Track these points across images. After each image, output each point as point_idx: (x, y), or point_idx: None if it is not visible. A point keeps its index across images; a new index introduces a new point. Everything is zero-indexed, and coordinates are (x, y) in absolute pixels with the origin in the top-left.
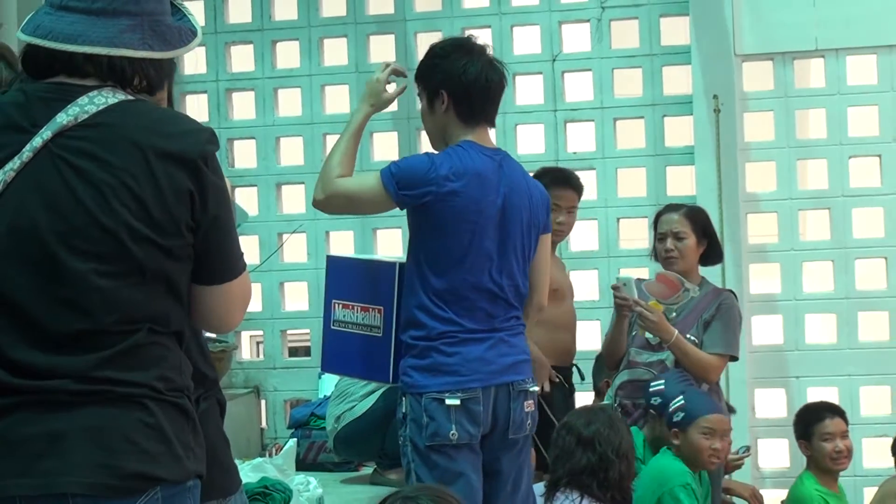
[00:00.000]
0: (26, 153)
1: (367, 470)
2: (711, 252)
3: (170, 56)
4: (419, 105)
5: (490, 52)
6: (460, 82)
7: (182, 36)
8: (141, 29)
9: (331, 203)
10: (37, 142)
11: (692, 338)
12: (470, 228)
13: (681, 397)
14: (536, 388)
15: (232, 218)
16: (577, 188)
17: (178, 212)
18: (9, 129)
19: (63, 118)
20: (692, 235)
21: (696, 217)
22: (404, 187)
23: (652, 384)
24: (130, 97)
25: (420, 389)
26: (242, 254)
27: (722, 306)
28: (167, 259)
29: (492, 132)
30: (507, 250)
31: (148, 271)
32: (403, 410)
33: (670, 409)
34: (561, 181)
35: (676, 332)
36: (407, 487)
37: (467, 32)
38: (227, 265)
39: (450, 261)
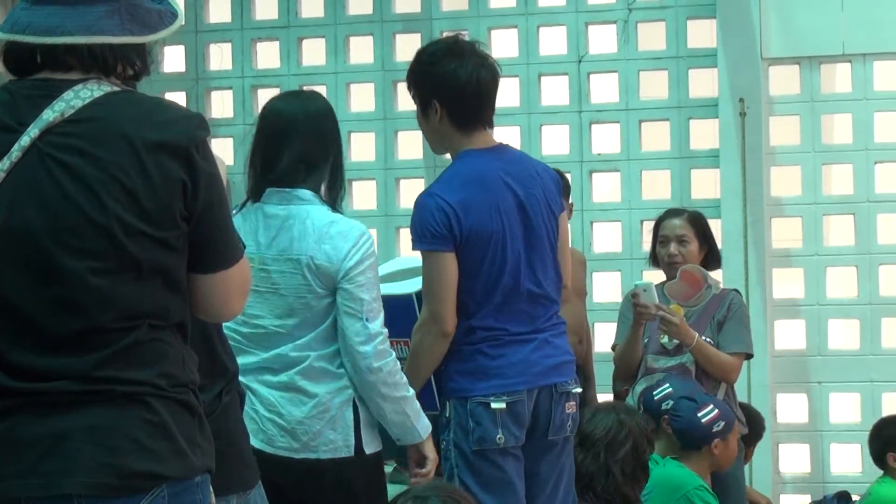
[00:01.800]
0: (15, 153)
1: (388, 468)
2: (711, 257)
3: (151, 39)
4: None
5: (479, 48)
6: (451, 90)
7: (163, 19)
8: (119, 14)
9: (440, 315)
10: (24, 140)
11: (707, 339)
12: (497, 239)
13: (712, 406)
14: (579, 390)
15: (226, 204)
16: (565, 187)
17: (170, 202)
18: None
19: (49, 115)
20: (695, 240)
21: (698, 222)
22: (439, 237)
23: (655, 392)
24: (116, 88)
25: (465, 393)
26: (239, 240)
27: (732, 306)
28: (162, 251)
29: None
30: (536, 244)
31: (144, 266)
32: (447, 415)
33: (704, 421)
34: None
35: (697, 335)
36: (419, 486)
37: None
38: (223, 252)
39: (484, 271)
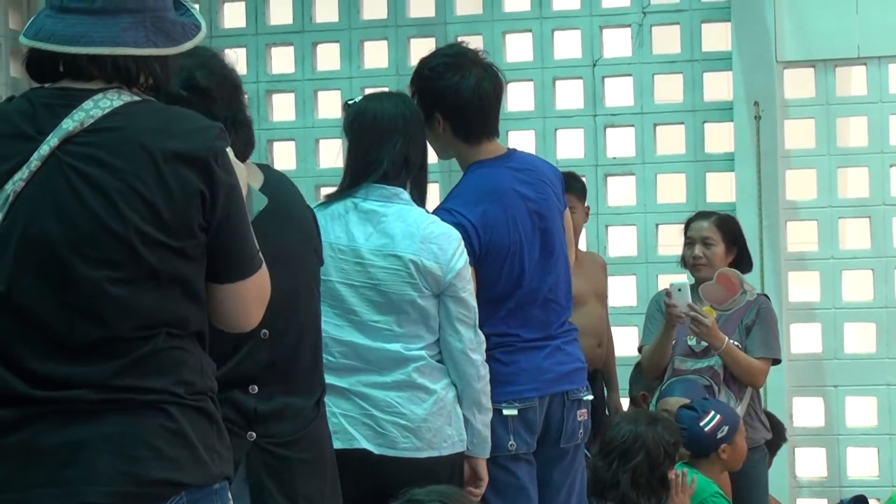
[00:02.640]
0: (34, 162)
1: None
2: (741, 261)
3: (175, 52)
4: None
5: (483, 57)
6: (454, 104)
7: (186, 31)
8: (143, 26)
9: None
10: (44, 150)
11: (735, 343)
12: (515, 250)
13: (713, 413)
14: (590, 397)
15: (245, 215)
16: (580, 190)
17: (189, 213)
18: (16, 138)
19: (69, 124)
20: (721, 243)
21: (726, 226)
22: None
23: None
24: (136, 98)
25: None
26: (258, 251)
27: (761, 311)
28: (181, 260)
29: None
30: (550, 250)
31: (162, 275)
32: None
33: (707, 430)
34: (575, 188)
35: (727, 338)
36: (418, 490)
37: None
38: (241, 263)
39: (502, 282)
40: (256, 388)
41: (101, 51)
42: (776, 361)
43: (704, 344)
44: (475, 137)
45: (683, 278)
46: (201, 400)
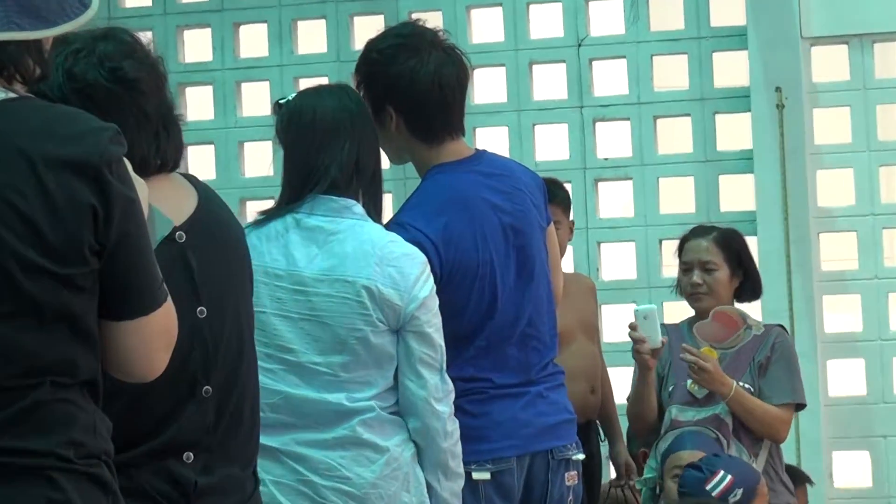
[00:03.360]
0: None
1: None
2: (748, 286)
3: (50, 34)
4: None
5: (443, 38)
6: (408, 95)
7: (64, 8)
8: (2, 4)
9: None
10: None
11: (747, 386)
12: (484, 272)
13: (722, 473)
14: (581, 456)
15: (146, 235)
16: (563, 200)
17: (78, 232)
18: None
19: None
20: (724, 266)
21: (730, 243)
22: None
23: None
24: (11, 94)
25: None
26: (162, 280)
27: (777, 345)
28: (68, 291)
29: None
30: (529, 274)
31: (45, 310)
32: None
33: (715, 494)
34: (559, 197)
35: (735, 383)
36: None
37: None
38: (142, 294)
39: (469, 311)
40: (192, 455)
41: None
42: (800, 407)
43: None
44: (435, 136)
45: (651, 305)
46: (94, 465)
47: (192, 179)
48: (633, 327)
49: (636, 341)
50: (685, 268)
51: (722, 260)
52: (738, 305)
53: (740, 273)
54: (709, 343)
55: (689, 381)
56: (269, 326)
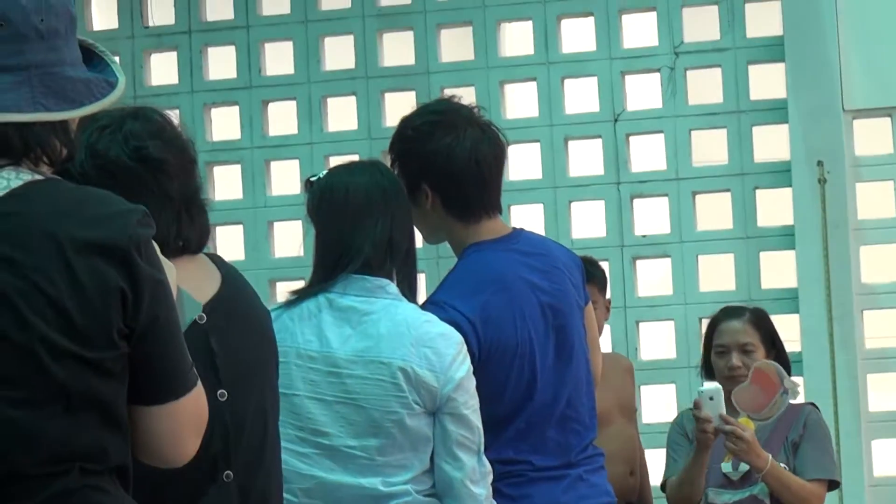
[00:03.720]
0: None
1: None
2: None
3: (74, 115)
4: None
5: (479, 114)
6: (445, 173)
7: (91, 89)
8: (29, 85)
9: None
10: None
11: (782, 465)
12: (524, 352)
13: None
14: None
15: (175, 318)
16: (599, 281)
17: (107, 316)
18: None
19: None
20: (761, 347)
21: (764, 324)
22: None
23: None
24: (39, 176)
25: None
26: (192, 364)
27: (809, 423)
28: (97, 377)
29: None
30: (568, 355)
31: (74, 395)
32: None
33: None
34: (596, 277)
35: (770, 456)
36: None
37: (448, 92)
38: (173, 378)
39: (508, 393)
40: None
41: None
42: (833, 485)
43: (744, 469)
44: (472, 214)
45: (715, 384)
46: None
47: (216, 260)
48: (697, 406)
49: (702, 421)
50: (721, 350)
51: (759, 340)
52: None
53: (773, 353)
54: (746, 413)
55: (725, 464)
56: (303, 409)
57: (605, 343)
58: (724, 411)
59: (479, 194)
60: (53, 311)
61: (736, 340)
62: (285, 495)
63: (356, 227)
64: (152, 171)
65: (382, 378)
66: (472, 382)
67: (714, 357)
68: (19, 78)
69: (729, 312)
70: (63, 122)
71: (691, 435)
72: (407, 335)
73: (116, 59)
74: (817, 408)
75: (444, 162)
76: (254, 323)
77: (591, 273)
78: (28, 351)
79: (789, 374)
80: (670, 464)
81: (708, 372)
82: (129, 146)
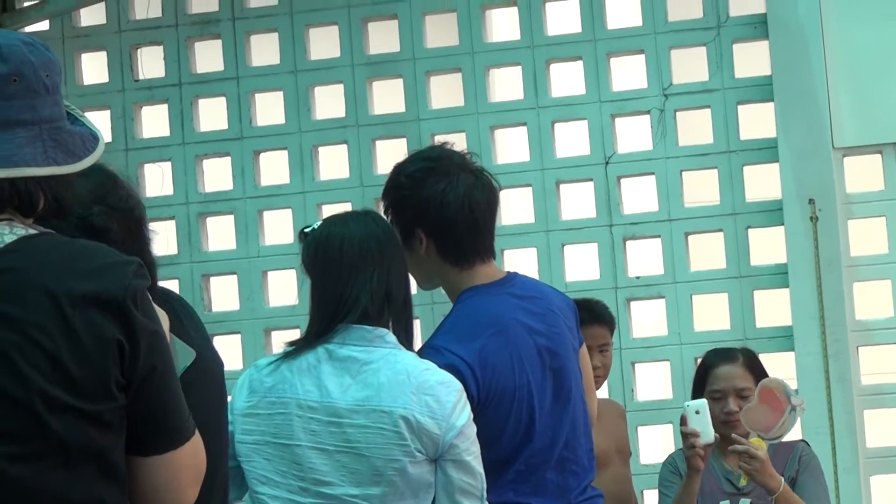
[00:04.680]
0: None
1: None
2: None
3: (77, 169)
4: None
5: (471, 160)
6: (439, 219)
7: (85, 144)
8: (41, 140)
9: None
10: None
11: None
12: (522, 396)
13: None
14: None
15: (172, 368)
16: (610, 323)
17: (103, 368)
18: None
19: None
20: (755, 389)
21: (756, 365)
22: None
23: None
24: (33, 231)
25: None
26: (189, 413)
27: (804, 457)
28: (95, 429)
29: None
30: (565, 397)
31: (72, 448)
32: None
33: None
34: (589, 317)
35: (783, 479)
36: None
37: (438, 138)
38: (170, 428)
39: (507, 436)
40: None
41: None
42: None
43: (747, 487)
44: (466, 259)
45: (702, 399)
46: None
47: (165, 304)
48: (684, 422)
49: (689, 436)
50: (717, 396)
51: (753, 384)
52: None
53: None
54: (757, 433)
55: (723, 503)
56: (305, 459)
57: (602, 386)
58: (710, 426)
59: (473, 239)
60: (51, 364)
61: (733, 385)
62: None
63: (352, 278)
64: (96, 239)
65: (384, 427)
66: (473, 429)
67: (710, 402)
68: (33, 133)
69: (721, 356)
70: (67, 175)
71: (683, 473)
72: (407, 384)
73: (107, 112)
74: (808, 444)
75: (438, 208)
76: (208, 364)
77: (602, 315)
78: (26, 405)
79: None
80: (662, 500)
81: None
82: (75, 215)
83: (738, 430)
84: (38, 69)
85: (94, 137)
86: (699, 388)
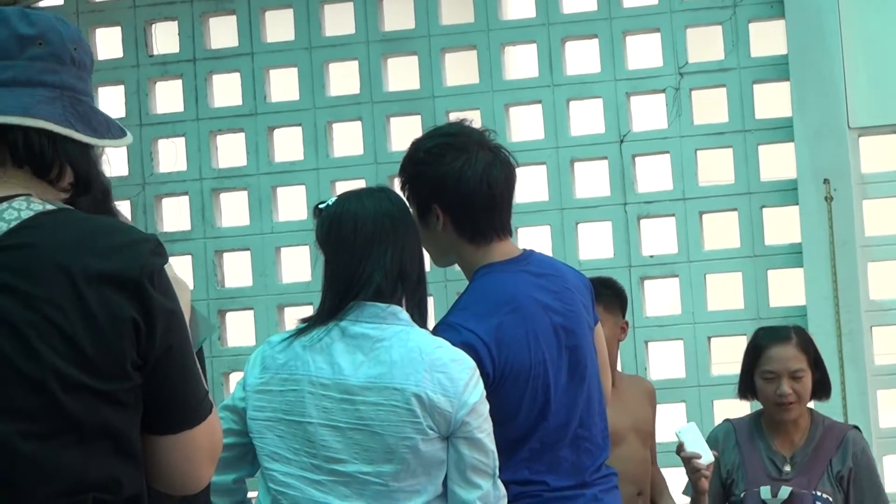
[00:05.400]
0: None
1: None
2: (822, 386)
3: (96, 143)
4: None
5: (490, 137)
6: (457, 195)
7: (110, 127)
8: (62, 104)
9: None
10: None
11: (827, 497)
12: (538, 373)
13: None
14: None
15: (190, 349)
16: (623, 300)
17: (119, 348)
18: None
19: None
20: (808, 370)
21: (809, 345)
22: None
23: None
24: (50, 206)
25: None
26: (207, 391)
27: (857, 453)
28: (110, 408)
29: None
30: (580, 375)
31: (87, 427)
32: None
33: None
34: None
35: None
36: None
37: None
38: (187, 407)
39: (522, 414)
40: None
41: (9, 120)
42: None
43: (783, 496)
44: (483, 236)
45: (691, 423)
46: None
47: None
48: (680, 449)
49: (689, 459)
50: (770, 377)
51: (807, 365)
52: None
53: (818, 374)
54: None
55: (763, 488)
56: (317, 437)
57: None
58: (706, 445)
59: (490, 216)
60: (65, 343)
61: (787, 367)
62: None
63: (366, 255)
64: None
65: (397, 404)
66: (486, 406)
67: (761, 382)
68: (54, 94)
69: (774, 337)
70: (88, 147)
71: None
72: (420, 361)
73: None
74: (859, 430)
75: (456, 184)
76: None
77: (615, 294)
78: (40, 383)
79: (828, 394)
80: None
81: (746, 392)
82: None
83: (790, 412)
84: (66, 40)
85: (121, 129)
86: (750, 366)
